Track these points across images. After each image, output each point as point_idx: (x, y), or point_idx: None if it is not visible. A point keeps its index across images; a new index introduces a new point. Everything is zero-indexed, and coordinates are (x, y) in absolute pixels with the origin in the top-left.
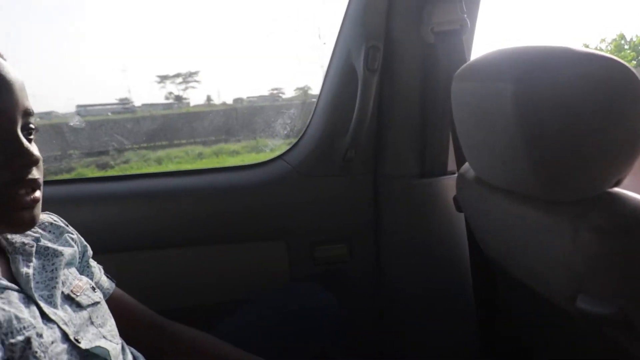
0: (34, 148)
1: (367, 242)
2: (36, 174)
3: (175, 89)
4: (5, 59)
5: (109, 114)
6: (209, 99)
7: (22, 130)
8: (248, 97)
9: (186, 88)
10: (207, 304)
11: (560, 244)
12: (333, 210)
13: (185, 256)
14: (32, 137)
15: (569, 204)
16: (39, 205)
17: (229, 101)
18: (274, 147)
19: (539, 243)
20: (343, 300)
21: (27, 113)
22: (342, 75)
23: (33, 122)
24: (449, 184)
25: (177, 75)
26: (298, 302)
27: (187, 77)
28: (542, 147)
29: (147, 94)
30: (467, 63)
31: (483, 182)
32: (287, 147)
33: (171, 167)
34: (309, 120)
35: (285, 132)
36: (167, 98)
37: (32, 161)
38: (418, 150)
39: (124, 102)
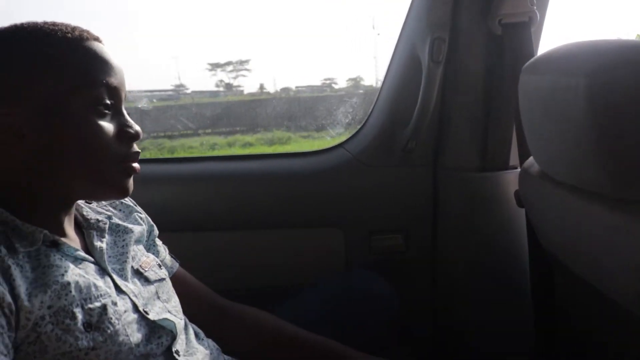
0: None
1: (424, 233)
2: (136, 148)
3: (225, 76)
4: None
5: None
6: (262, 87)
7: None
8: (297, 87)
9: (237, 76)
10: (263, 288)
11: (631, 244)
12: (391, 200)
13: (244, 239)
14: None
15: None
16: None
17: (277, 90)
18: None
19: (607, 242)
20: (397, 290)
21: (125, 96)
22: (405, 66)
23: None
24: (510, 179)
25: (228, 64)
26: (355, 289)
27: (238, 66)
28: (616, 144)
29: (197, 81)
30: (537, 56)
31: (548, 178)
32: (348, 136)
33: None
34: (370, 110)
35: (347, 120)
36: (217, 86)
37: (138, 135)
38: (480, 144)
39: (179, 88)
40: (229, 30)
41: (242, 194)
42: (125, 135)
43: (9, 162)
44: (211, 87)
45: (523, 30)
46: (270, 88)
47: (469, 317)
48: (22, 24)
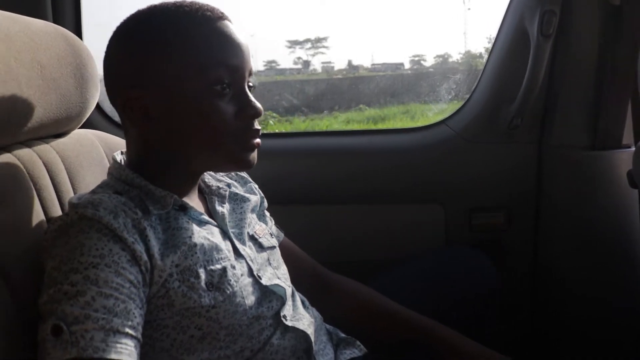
0: (257, 102)
1: (527, 213)
2: (257, 124)
3: (304, 54)
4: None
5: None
6: (350, 64)
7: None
8: (372, 64)
9: (315, 54)
10: (362, 261)
11: None
12: (493, 178)
13: (345, 213)
14: (251, 92)
15: None
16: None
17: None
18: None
19: None
20: (496, 269)
21: (250, 72)
22: (512, 40)
23: (252, 81)
24: (622, 158)
25: (306, 41)
26: (454, 264)
27: (316, 43)
28: None
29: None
30: None
31: None
32: (451, 112)
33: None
34: (474, 86)
35: (450, 97)
36: (295, 63)
37: (258, 112)
38: (590, 121)
39: (271, 64)
40: (307, 7)
41: (346, 168)
42: (245, 113)
43: (142, 137)
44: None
45: None
46: (342, 66)
47: (570, 305)
48: (150, 8)
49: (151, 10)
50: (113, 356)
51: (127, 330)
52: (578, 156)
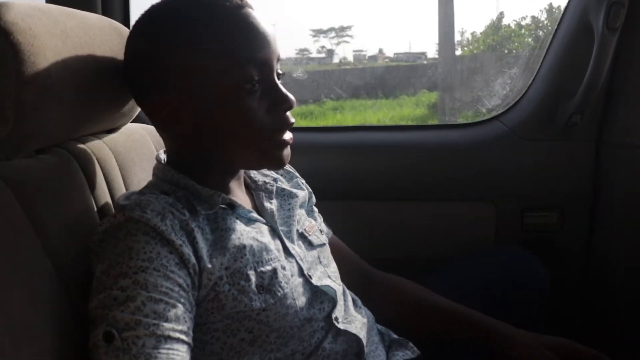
0: (289, 93)
1: (582, 214)
2: (291, 117)
3: (327, 42)
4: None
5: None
6: (381, 51)
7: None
8: (395, 54)
9: (339, 43)
10: (409, 259)
11: None
12: (548, 176)
13: (393, 209)
14: (280, 81)
15: None
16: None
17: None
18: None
19: None
20: (547, 271)
21: (278, 59)
22: (574, 33)
23: (279, 67)
24: None
25: (330, 30)
26: (504, 266)
27: (340, 32)
28: None
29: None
30: None
31: None
32: (504, 108)
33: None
34: (530, 81)
35: (505, 92)
36: (318, 52)
37: (291, 104)
38: None
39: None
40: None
41: (395, 164)
42: (277, 107)
43: (176, 139)
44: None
45: None
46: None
47: (624, 308)
48: (165, 2)
49: (167, 6)
50: None
51: (178, 335)
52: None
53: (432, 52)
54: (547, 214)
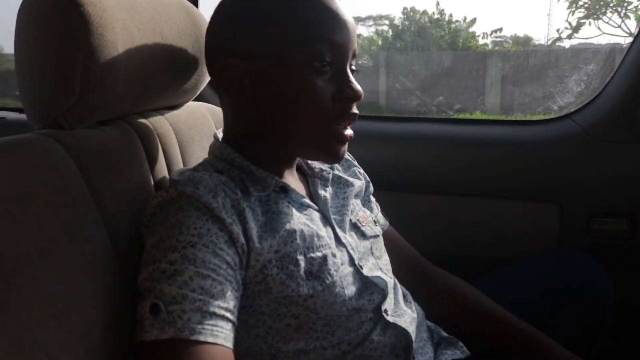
0: (358, 85)
1: None
2: (355, 109)
3: (365, 30)
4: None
5: None
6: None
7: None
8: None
9: (376, 31)
10: (467, 256)
11: None
12: (619, 180)
13: (453, 204)
14: (353, 75)
15: None
16: (347, 142)
17: None
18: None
19: None
20: (614, 282)
21: (354, 54)
22: None
23: (355, 64)
24: None
25: (369, 18)
26: (566, 272)
27: (378, 20)
28: None
29: None
30: None
31: None
32: (578, 106)
33: None
34: (609, 78)
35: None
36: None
37: (358, 95)
38: None
39: None
40: None
41: (458, 158)
42: (343, 95)
43: (236, 110)
44: None
45: None
46: None
47: None
48: None
49: None
50: (209, 339)
51: (224, 313)
52: None
53: None
54: (616, 220)
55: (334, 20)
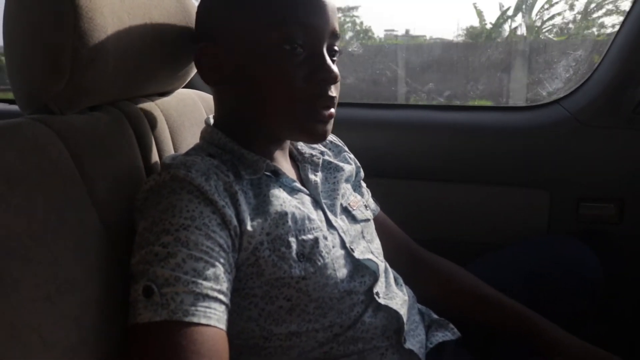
0: (335, 67)
1: None
2: (334, 91)
3: None
4: None
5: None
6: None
7: (327, 50)
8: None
9: (345, 23)
10: (458, 242)
11: None
12: (608, 165)
13: (443, 190)
14: (335, 58)
15: None
16: (332, 121)
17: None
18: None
19: None
20: (602, 265)
21: (334, 35)
22: None
23: (337, 45)
24: None
25: (337, 10)
26: (556, 255)
27: (347, 12)
28: None
29: None
30: None
31: None
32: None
33: None
34: (597, 64)
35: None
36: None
37: (332, 77)
38: None
39: None
40: None
41: (448, 144)
42: (315, 76)
43: (220, 96)
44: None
45: None
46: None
47: None
48: None
49: None
50: (202, 320)
51: (217, 295)
52: None
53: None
54: (605, 205)
55: (307, 2)
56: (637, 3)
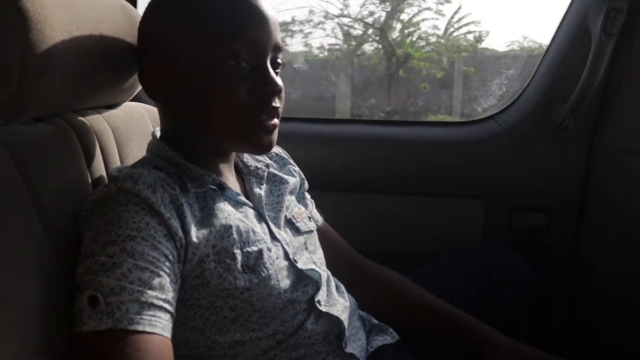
0: (278, 79)
1: (569, 216)
2: (277, 103)
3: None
4: None
5: None
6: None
7: (271, 63)
8: None
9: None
10: (399, 252)
11: None
12: (538, 178)
13: (385, 202)
14: (278, 70)
15: None
16: (276, 131)
17: None
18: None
19: None
20: (534, 272)
21: (277, 48)
22: (572, 37)
23: (280, 58)
24: None
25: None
26: (491, 263)
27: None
28: None
29: None
30: None
31: None
32: (500, 108)
33: None
34: (527, 82)
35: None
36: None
37: (276, 90)
38: None
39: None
40: None
41: (389, 158)
42: (259, 88)
43: (167, 111)
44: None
45: None
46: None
47: (609, 307)
48: None
49: None
50: (147, 329)
51: (162, 304)
52: (630, 161)
53: None
54: (535, 215)
55: (250, 18)
56: (561, 27)
